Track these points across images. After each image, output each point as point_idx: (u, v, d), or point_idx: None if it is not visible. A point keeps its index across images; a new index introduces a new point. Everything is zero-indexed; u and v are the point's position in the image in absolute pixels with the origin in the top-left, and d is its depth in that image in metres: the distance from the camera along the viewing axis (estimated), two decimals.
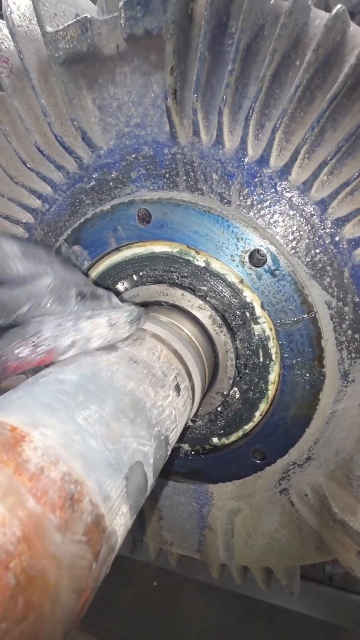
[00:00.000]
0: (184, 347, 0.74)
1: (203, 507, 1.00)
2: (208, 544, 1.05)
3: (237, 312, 0.78)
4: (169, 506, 1.05)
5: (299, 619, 1.71)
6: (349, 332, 0.72)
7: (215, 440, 0.91)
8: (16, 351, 0.53)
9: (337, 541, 0.85)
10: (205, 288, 0.79)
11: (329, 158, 0.60)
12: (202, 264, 0.76)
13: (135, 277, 0.85)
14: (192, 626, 1.97)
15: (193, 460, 0.94)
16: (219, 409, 0.87)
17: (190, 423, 0.91)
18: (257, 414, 0.84)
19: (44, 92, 0.73)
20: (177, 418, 0.64)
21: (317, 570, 1.25)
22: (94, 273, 0.87)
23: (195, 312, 0.81)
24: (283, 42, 0.56)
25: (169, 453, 0.59)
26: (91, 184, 0.80)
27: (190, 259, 0.77)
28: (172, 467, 0.97)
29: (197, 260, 0.77)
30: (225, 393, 0.85)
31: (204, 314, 0.81)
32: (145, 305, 0.84)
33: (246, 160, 0.67)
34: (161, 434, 0.54)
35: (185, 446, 0.94)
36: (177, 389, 0.66)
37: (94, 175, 0.79)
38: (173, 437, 0.60)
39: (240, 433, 0.87)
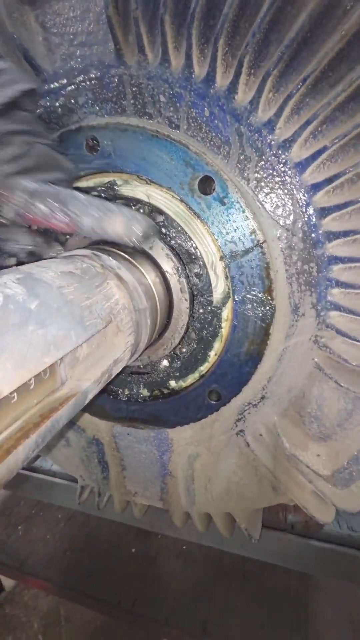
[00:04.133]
0: (136, 285, 0.72)
1: (164, 454, 1.01)
2: (170, 491, 1.06)
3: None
4: (131, 456, 1.05)
5: (271, 577, 1.76)
6: (299, 263, 0.71)
7: (172, 383, 0.90)
8: (42, 208, 0.63)
9: (291, 479, 0.86)
10: (156, 222, 0.78)
11: (272, 69, 0.58)
12: (146, 199, 0.75)
13: None
14: (168, 589, 2.01)
15: (152, 405, 0.94)
16: (174, 352, 0.87)
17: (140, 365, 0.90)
18: (212, 353, 0.83)
19: None
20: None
21: (279, 520, 1.28)
22: None
23: (153, 254, 0.79)
24: None
25: None
26: (38, 112, 0.77)
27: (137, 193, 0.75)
28: (132, 414, 0.96)
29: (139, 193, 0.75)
30: (177, 340, 0.84)
31: (163, 257, 0.79)
32: (98, 243, 0.82)
33: (193, 79, 0.65)
34: None
35: (144, 391, 0.94)
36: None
37: (40, 102, 0.76)
38: None
39: (196, 375, 0.87)
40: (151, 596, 1.96)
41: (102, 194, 0.78)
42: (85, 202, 0.64)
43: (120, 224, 0.65)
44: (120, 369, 0.67)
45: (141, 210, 0.81)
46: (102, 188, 0.77)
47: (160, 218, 0.78)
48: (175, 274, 0.79)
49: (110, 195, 0.78)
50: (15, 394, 0.42)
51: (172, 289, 0.80)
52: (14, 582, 2.87)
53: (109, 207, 0.65)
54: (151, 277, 0.77)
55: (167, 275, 0.79)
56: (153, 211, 0.79)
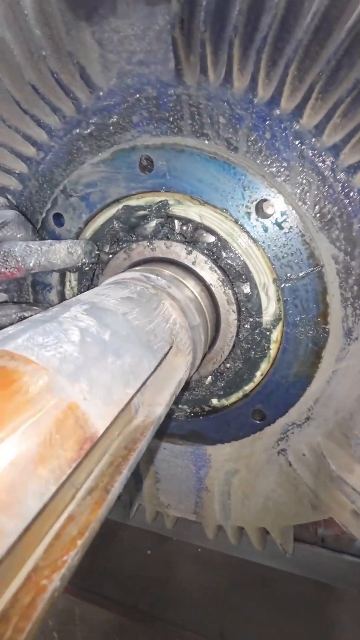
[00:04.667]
0: (188, 302, 0.72)
1: (201, 469, 1.01)
2: (205, 505, 1.06)
3: (241, 270, 0.76)
4: (167, 469, 1.05)
5: (291, 585, 1.77)
6: (355, 288, 0.70)
7: (214, 401, 0.90)
8: None
9: (333, 499, 0.86)
10: (207, 242, 0.77)
11: (344, 96, 0.57)
12: (198, 219, 0.74)
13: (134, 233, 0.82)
14: (184, 593, 2.03)
15: (192, 422, 0.94)
16: (219, 369, 0.86)
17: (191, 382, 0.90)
18: (258, 374, 0.83)
19: (39, 22, 0.67)
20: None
21: (309, 533, 1.28)
22: (92, 227, 0.83)
23: (197, 269, 0.78)
24: None
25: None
26: (89, 129, 0.76)
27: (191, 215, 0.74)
28: (171, 429, 0.96)
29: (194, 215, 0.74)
30: (226, 353, 0.83)
31: (206, 270, 0.78)
32: (147, 261, 0.81)
33: (256, 101, 0.64)
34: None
35: (185, 408, 0.94)
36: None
37: (92, 120, 0.75)
38: None
39: (240, 394, 0.87)
40: (169, 600, 1.98)
41: (153, 213, 0.77)
42: (26, 246, 0.71)
43: (63, 251, 0.75)
44: (180, 389, 0.67)
45: (184, 228, 0.80)
46: (154, 207, 0.76)
47: (212, 239, 0.77)
48: (220, 286, 0.78)
49: (162, 214, 0.77)
50: None
51: (219, 301, 0.79)
52: None
53: (49, 243, 0.74)
54: (197, 291, 0.77)
55: (212, 288, 0.78)
56: (199, 228, 0.78)
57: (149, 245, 0.80)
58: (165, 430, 0.97)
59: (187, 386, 0.89)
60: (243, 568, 1.87)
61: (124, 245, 0.83)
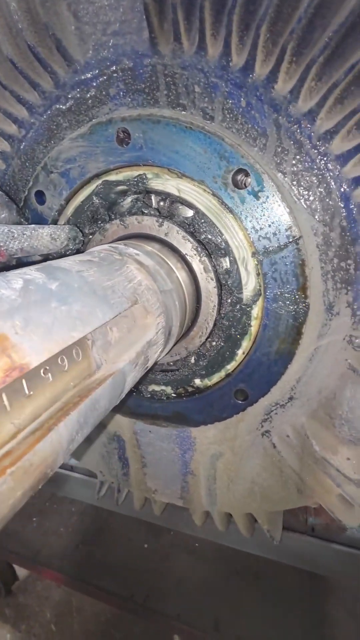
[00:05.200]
0: (157, 268, 0.71)
1: (186, 453, 1.00)
2: (191, 490, 1.05)
3: (220, 244, 0.74)
4: (153, 453, 1.04)
5: (284, 575, 1.75)
6: (335, 260, 0.68)
7: (197, 381, 0.89)
8: None
9: (318, 483, 0.84)
10: (185, 216, 0.76)
11: (316, 56, 0.55)
12: (176, 193, 0.73)
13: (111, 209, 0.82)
14: (179, 585, 2.02)
15: (175, 403, 0.93)
16: (204, 346, 0.85)
17: (171, 363, 0.89)
18: (240, 352, 0.81)
19: None
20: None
21: (299, 522, 1.26)
22: (73, 205, 0.83)
23: (170, 239, 0.77)
24: None
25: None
26: (68, 104, 0.75)
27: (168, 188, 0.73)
28: (155, 411, 0.95)
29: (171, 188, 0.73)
30: (210, 325, 0.82)
31: (179, 240, 0.77)
32: (124, 239, 0.81)
33: (230, 67, 0.63)
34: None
35: (168, 389, 0.93)
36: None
37: (70, 94, 0.75)
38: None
39: (222, 373, 0.85)
40: (164, 591, 1.97)
41: (132, 188, 0.77)
42: (8, 230, 0.70)
43: (47, 237, 0.74)
44: (157, 354, 0.65)
45: (161, 203, 0.80)
46: (132, 182, 0.76)
47: (190, 213, 0.76)
48: (195, 254, 0.76)
49: (140, 189, 0.76)
50: (49, 374, 0.41)
51: (195, 270, 0.78)
52: (27, 572, 2.92)
53: (32, 228, 0.74)
54: (172, 261, 0.75)
55: (188, 257, 0.77)
56: (175, 202, 0.77)
57: (121, 224, 0.80)
58: (149, 411, 0.96)
59: (171, 366, 0.88)
60: (237, 560, 1.86)
61: (101, 225, 0.82)
